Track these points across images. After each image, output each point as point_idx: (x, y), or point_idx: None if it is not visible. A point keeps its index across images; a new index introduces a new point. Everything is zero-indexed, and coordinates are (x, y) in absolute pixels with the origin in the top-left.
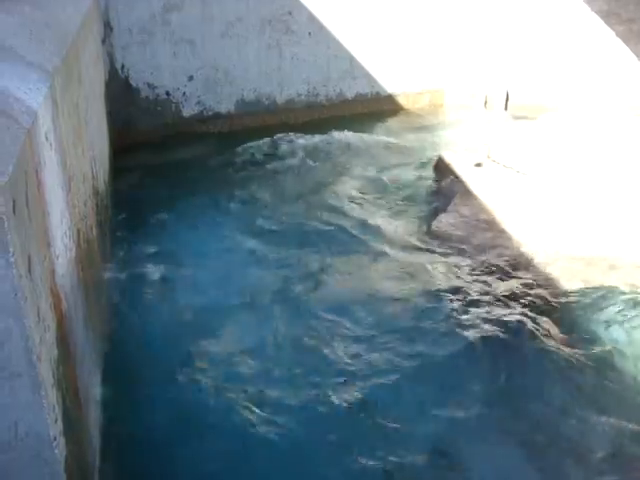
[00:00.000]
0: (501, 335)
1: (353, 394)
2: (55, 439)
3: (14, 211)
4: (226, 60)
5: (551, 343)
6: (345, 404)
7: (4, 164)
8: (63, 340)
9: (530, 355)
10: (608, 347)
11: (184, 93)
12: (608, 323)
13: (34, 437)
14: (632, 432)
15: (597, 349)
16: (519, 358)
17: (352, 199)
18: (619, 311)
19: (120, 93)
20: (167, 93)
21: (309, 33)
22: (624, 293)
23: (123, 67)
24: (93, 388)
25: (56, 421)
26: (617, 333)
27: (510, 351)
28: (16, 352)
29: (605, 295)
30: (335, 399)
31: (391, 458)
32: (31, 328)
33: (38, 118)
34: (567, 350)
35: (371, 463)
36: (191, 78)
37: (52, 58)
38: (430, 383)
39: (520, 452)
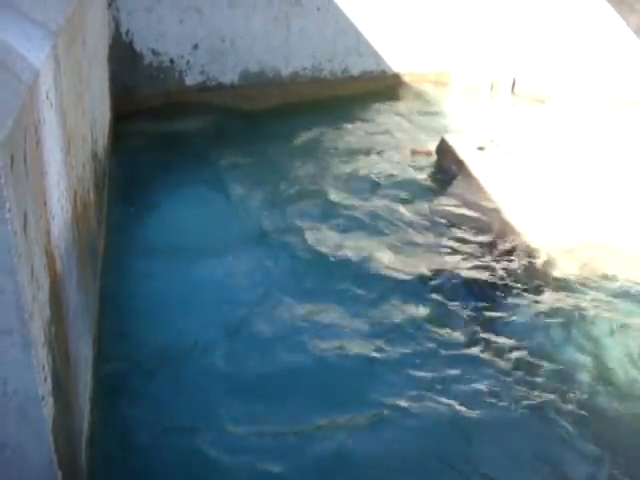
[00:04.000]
0: (494, 315)
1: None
2: (43, 398)
3: (11, 167)
4: (232, 30)
5: (543, 321)
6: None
7: (3, 118)
8: (56, 300)
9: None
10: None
11: (188, 61)
12: (601, 308)
13: (22, 395)
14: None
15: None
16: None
17: (351, 178)
18: (613, 298)
19: (123, 58)
20: (171, 61)
21: (318, 8)
22: (620, 280)
23: (128, 32)
24: (84, 350)
25: (45, 380)
26: (611, 319)
27: (501, 328)
28: (8, 309)
29: (601, 282)
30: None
31: None
32: (24, 286)
33: (40, 76)
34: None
35: None
36: (196, 47)
37: (57, 17)
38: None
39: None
